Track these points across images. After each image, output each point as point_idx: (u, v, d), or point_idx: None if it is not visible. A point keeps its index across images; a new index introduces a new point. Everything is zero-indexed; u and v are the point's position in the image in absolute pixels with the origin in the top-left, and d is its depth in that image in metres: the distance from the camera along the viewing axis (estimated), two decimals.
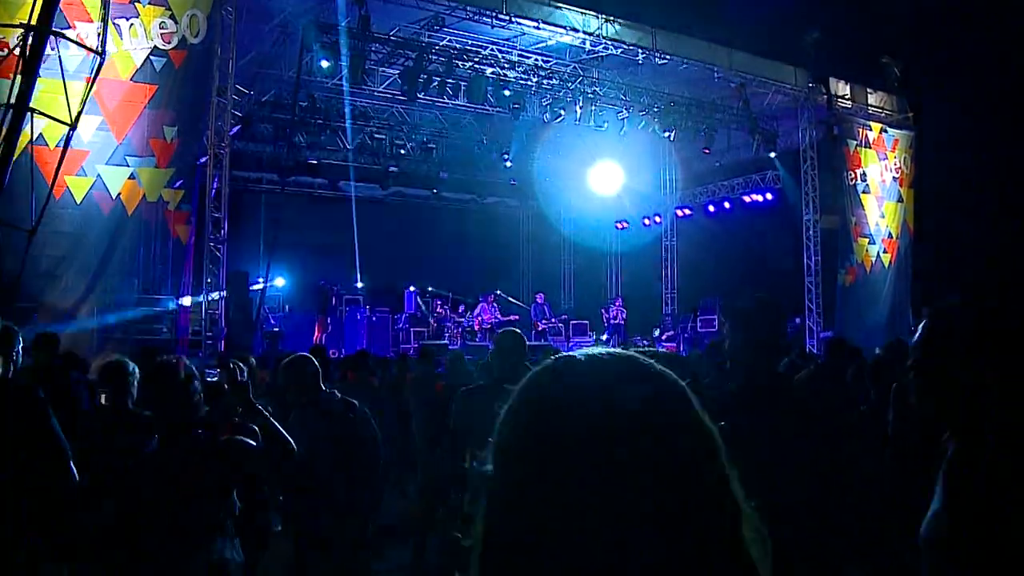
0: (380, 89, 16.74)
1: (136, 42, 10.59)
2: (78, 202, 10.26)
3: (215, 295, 11.76)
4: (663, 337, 20.18)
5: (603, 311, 20.49)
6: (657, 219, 23.02)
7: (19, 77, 7.75)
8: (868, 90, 18.35)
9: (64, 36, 9.13)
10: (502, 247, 24.90)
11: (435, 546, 6.34)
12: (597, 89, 16.38)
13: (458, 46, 15.03)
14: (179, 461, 3.16)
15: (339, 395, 4.99)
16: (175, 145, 10.87)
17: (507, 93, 15.59)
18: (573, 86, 16.20)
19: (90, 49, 9.42)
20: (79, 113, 9.05)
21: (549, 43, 15.32)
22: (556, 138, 20.80)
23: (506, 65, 15.42)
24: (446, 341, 17.57)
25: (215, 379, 3.87)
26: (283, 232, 15.68)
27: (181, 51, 10.89)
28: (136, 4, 10.59)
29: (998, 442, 1.60)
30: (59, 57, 9.18)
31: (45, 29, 7.88)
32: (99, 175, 10.38)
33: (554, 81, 16.05)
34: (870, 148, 18.04)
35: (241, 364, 5.26)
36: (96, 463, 3.54)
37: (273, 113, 17.16)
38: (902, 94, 18.72)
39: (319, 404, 4.83)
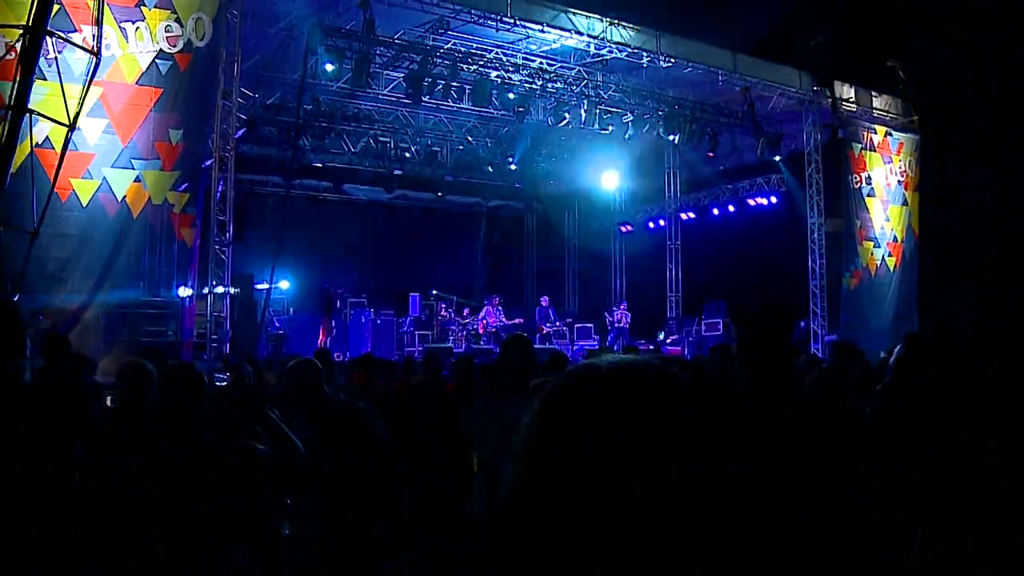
0: (385, 92, 16.77)
1: (142, 45, 10.61)
2: (84, 205, 10.28)
3: (220, 289, 11.74)
4: (667, 340, 20.16)
5: (607, 314, 20.48)
6: (661, 222, 23.01)
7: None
8: (873, 93, 18.33)
9: (61, 37, 9.16)
10: (506, 250, 24.91)
11: (440, 547, 6.33)
12: (601, 92, 16.38)
13: (463, 49, 15.05)
14: (189, 464, 3.16)
15: (344, 398, 4.99)
16: (180, 148, 10.89)
17: (512, 96, 15.61)
18: (578, 89, 16.21)
19: (87, 50, 9.45)
20: (76, 114, 9.07)
21: (554, 46, 15.32)
22: (561, 141, 20.81)
23: (511, 68, 15.43)
24: (451, 344, 17.57)
25: (224, 383, 3.87)
26: (288, 235, 15.70)
27: (187, 54, 10.91)
28: (142, 7, 10.61)
29: (999, 442, 1.59)
30: (58, 60, 9.22)
31: (40, 30, 7.90)
32: (105, 178, 10.40)
33: (559, 84, 16.06)
34: (875, 151, 18.02)
35: (249, 368, 5.26)
36: (108, 465, 3.54)
37: (278, 116, 17.19)
38: (907, 97, 18.68)
39: (324, 407, 4.83)
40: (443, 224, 23.19)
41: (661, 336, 20.55)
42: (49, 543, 3.50)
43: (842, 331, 16.40)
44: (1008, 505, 1.55)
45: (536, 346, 6.17)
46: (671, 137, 17.23)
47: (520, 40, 15.04)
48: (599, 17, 14.89)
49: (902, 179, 18.50)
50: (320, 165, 19.40)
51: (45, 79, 9.30)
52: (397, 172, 20.38)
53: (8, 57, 8.93)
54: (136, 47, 10.57)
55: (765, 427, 2.68)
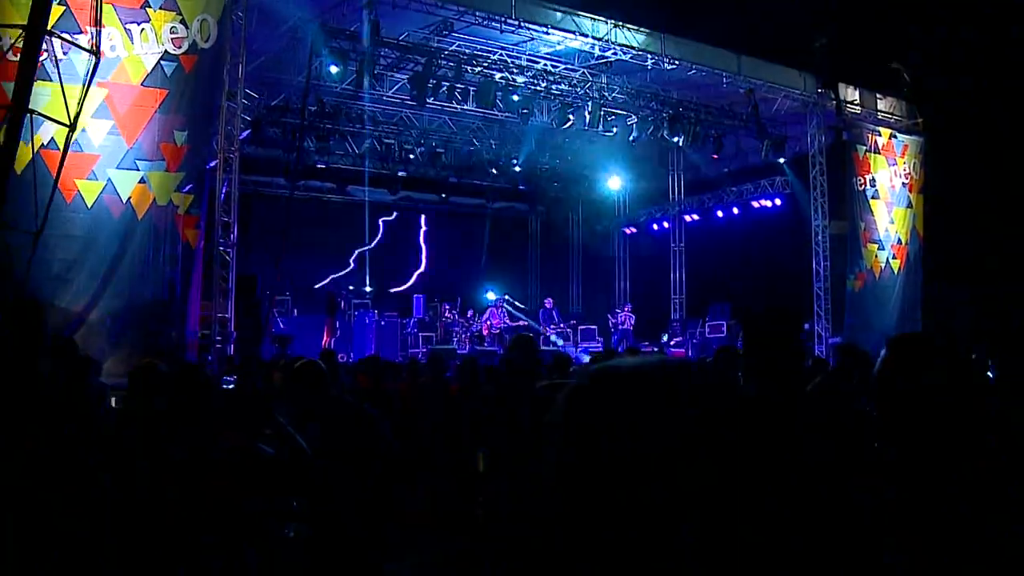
0: (389, 94, 16.79)
1: (147, 47, 10.62)
2: (88, 206, 10.28)
3: (225, 290, 11.79)
4: (671, 343, 20.15)
5: (611, 316, 20.48)
6: (665, 224, 23.01)
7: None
8: (877, 95, 18.31)
9: (64, 39, 9.18)
10: (511, 251, 24.93)
11: (445, 547, 6.34)
12: (606, 94, 16.39)
13: (467, 51, 15.05)
14: (198, 466, 3.17)
15: (350, 399, 5.00)
16: (185, 149, 10.89)
17: (516, 98, 15.61)
18: (582, 91, 16.22)
19: (87, 50, 9.48)
20: (77, 114, 9.08)
21: (558, 48, 15.32)
22: (565, 143, 20.81)
23: (515, 70, 15.44)
24: (455, 346, 17.59)
25: (231, 386, 3.88)
26: (292, 236, 15.71)
27: (192, 56, 10.91)
28: (147, 9, 10.62)
29: (999, 442, 1.60)
30: (62, 62, 9.24)
31: (40, 29, 7.91)
32: (110, 179, 10.41)
33: (563, 86, 16.07)
34: (879, 154, 17.98)
35: (256, 370, 5.27)
36: (117, 467, 3.55)
37: (283, 117, 17.20)
38: (911, 100, 18.67)
39: (330, 409, 4.84)
40: (447, 225, 23.21)
41: (665, 338, 20.55)
42: (56, 545, 3.51)
43: (846, 333, 16.39)
44: (1008, 505, 1.56)
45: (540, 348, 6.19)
46: (675, 139, 17.21)
47: (524, 42, 15.04)
48: (603, 19, 14.89)
49: (906, 181, 18.47)
50: (324, 166, 19.41)
51: (51, 80, 9.33)
52: (401, 174, 20.40)
53: (13, 58, 8.97)
54: (141, 48, 10.58)
55: (769, 429, 2.68)
